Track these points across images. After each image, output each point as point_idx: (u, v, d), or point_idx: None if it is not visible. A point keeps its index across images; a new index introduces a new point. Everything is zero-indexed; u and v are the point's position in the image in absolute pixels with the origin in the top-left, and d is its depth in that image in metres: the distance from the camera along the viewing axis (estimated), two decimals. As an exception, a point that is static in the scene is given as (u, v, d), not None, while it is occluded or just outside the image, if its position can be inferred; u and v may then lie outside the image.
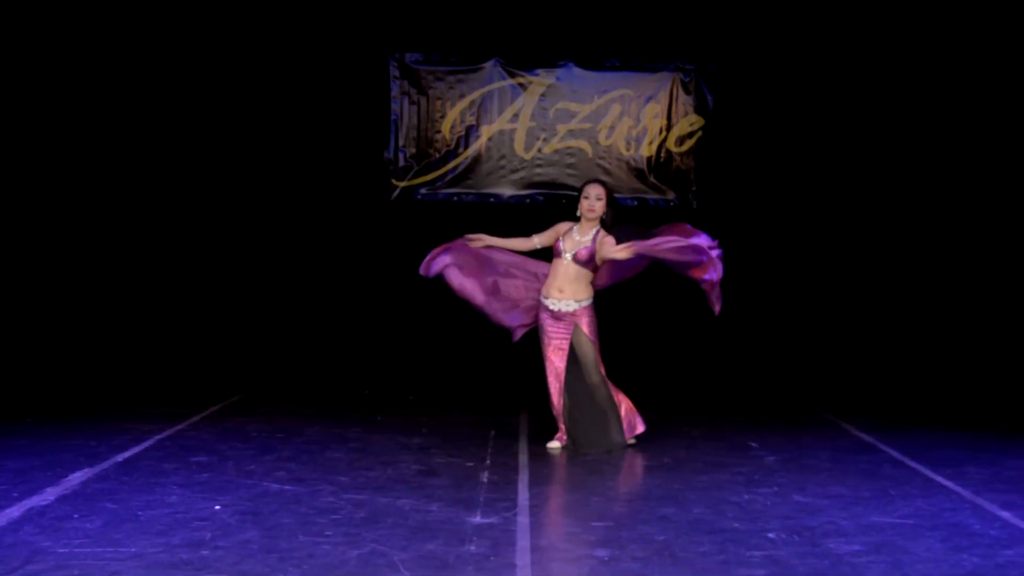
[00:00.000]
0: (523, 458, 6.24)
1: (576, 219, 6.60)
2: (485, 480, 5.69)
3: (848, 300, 11.13)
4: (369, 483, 5.54)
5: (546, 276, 6.65)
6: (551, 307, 6.51)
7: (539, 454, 6.38)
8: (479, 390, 8.82)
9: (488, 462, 6.15)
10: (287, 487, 5.42)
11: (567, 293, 6.49)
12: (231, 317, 11.03)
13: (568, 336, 6.50)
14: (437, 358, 10.56)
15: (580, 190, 6.64)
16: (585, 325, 6.51)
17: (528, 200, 11.39)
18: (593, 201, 6.48)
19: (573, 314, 6.50)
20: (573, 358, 6.51)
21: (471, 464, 6.08)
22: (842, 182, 11.18)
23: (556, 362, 6.53)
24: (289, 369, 9.83)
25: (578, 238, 6.51)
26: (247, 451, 6.29)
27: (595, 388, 6.53)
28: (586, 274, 6.50)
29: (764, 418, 7.74)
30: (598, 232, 6.49)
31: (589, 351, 6.52)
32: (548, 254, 6.71)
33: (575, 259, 6.47)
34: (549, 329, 6.54)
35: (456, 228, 11.41)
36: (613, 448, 6.51)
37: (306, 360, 10.29)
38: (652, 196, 11.41)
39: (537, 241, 6.69)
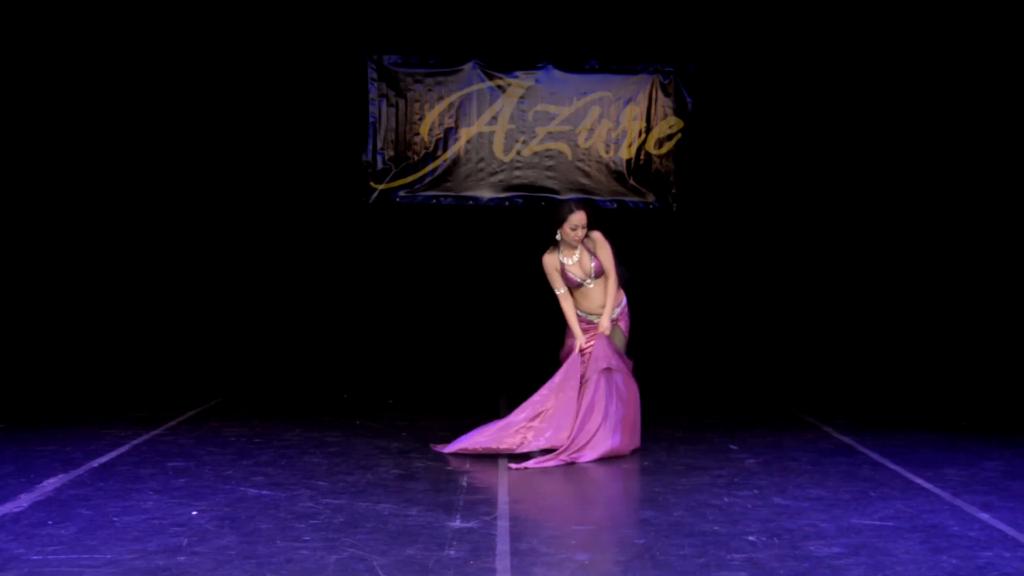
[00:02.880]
0: (503, 461, 6.22)
1: (553, 243, 6.49)
2: (465, 484, 5.68)
3: (827, 303, 11.19)
4: (348, 488, 5.53)
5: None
6: (594, 320, 6.49)
7: (519, 457, 6.35)
8: (459, 394, 8.80)
9: (468, 466, 6.13)
10: (265, 492, 5.40)
11: (608, 306, 6.50)
12: (209, 321, 11.00)
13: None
14: (416, 362, 10.54)
15: (562, 217, 6.35)
16: (622, 321, 6.60)
17: (507, 203, 11.40)
18: (580, 231, 6.35)
19: (615, 319, 6.55)
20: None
21: (451, 468, 6.07)
22: (823, 183, 11.24)
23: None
24: (267, 373, 9.78)
25: (576, 259, 6.46)
26: (225, 456, 6.25)
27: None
28: (608, 281, 6.51)
29: (744, 421, 7.73)
30: (583, 246, 6.44)
31: (620, 343, 6.54)
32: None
33: (597, 277, 6.46)
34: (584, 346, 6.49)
35: (435, 231, 11.51)
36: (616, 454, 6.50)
37: (284, 364, 10.25)
38: (632, 199, 11.43)
39: (563, 291, 6.51)
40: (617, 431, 6.33)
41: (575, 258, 6.46)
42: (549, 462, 6.13)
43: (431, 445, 6.55)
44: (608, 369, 6.33)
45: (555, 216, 6.43)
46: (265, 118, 11.13)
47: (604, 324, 6.45)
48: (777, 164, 11.27)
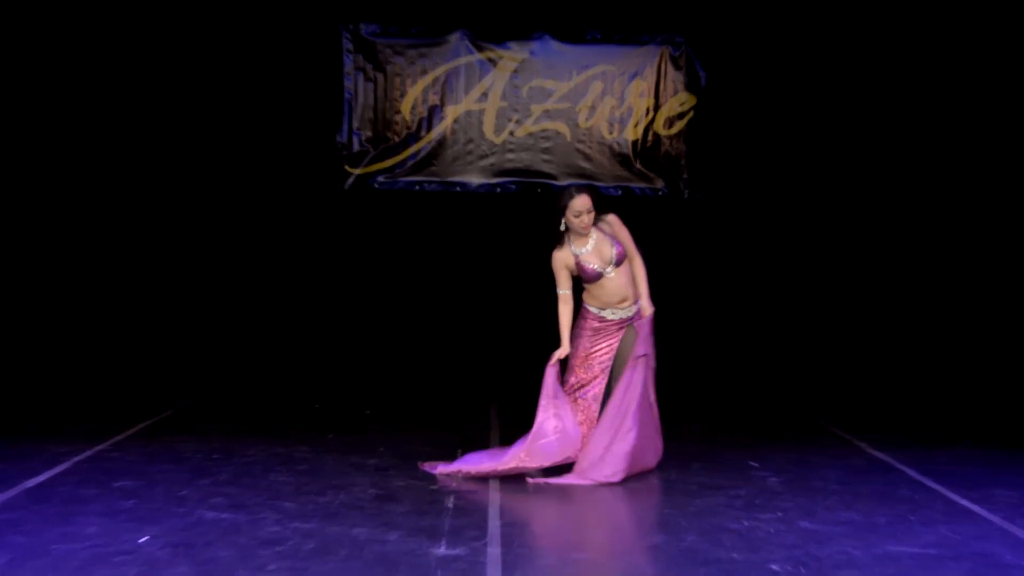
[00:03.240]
0: (494, 480, 6.19)
1: (559, 237, 6.49)
2: (451, 505, 5.65)
3: (860, 302, 11.15)
4: (319, 510, 5.49)
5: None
6: (611, 317, 6.44)
7: (512, 476, 6.31)
8: (445, 402, 8.76)
9: (454, 485, 6.09)
10: (225, 515, 5.35)
11: (628, 300, 6.47)
12: (163, 323, 10.94)
13: (618, 342, 6.45)
14: (397, 367, 10.50)
15: (563, 205, 6.38)
16: (638, 321, 6.53)
17: (499, 189, 11.36)
18: (585, 217, 6.36)
19: (632, 318, 6.50)
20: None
21: (435, 487, 6.03)
22: (851, 167, 11.19)
23: (603, 375, 6.45)
24: (228, 381, 9.73)
25: (592, 246, 6.42)
26: (179, 474, 6.21)
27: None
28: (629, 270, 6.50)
29: (765, 434, 7.72)
30: (598, 228, 6.45)
31: (632, 347, 6.51)
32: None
33: (618, 264, 6.42)
34: (595, 343, 6.46)
35: (418, 221, 11.46)
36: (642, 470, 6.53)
37: (248, 371, 10.20)
38: (638, 185, 11.39)
39: (564, 292, 6.49)
40: (647, 442, 6.38)
41: (590, 246, 6.44)
42: (573, 480, 6.16)
43: (420, 464, 6.49)
44: (644, 356, 6.36)
45: (556, 205, 6.44)
46: (229, 95, 11.06)
47: (646, 305, 6.46)
48: (801, 146, 11.24)
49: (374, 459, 6.74)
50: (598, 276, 6.40)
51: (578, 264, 6.42)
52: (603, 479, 6.17)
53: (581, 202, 6.35)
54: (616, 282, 6.43)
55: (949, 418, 8.38)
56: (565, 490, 6.06)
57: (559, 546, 5.09)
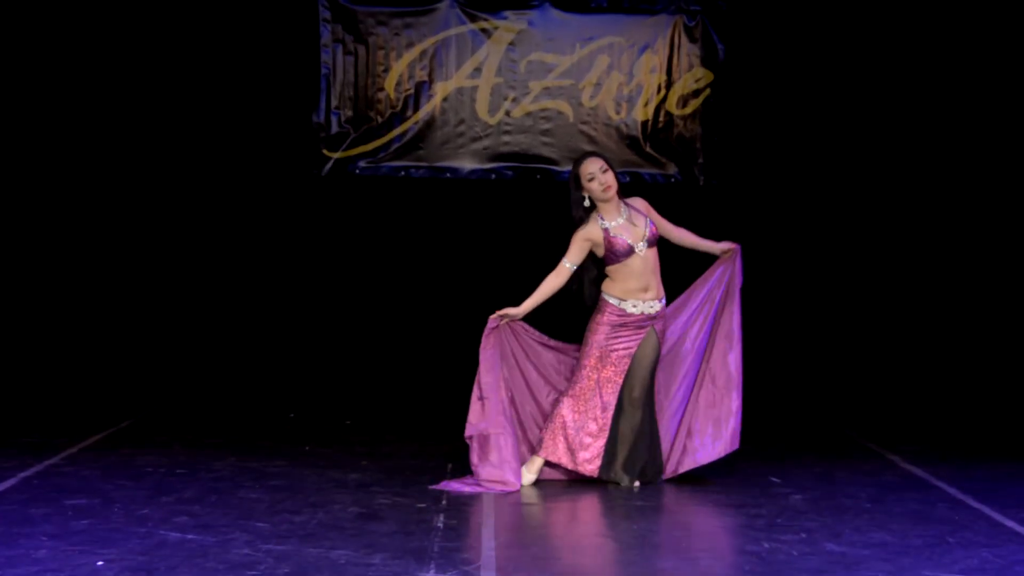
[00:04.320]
0: (487, 497, 6.21)
1: (584, 214, 6.56)
2: (440, 525, 5.66)
3: (893, 301, 11.13)
4: (295, 530, 5.49)
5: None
6: (633, 310, 6.47)
7: (507, 492, 6.33)
8: (433, 411, 8.77)
9: (444, 502, 6.12)
10: (190, 536, 5.36)
11: (652, 291, 6.53)
12: (120, 322, 10.91)
13: (636, 345, 6.51)
14: (380, 371, 10.50)
15: (576, 172, 6.57)
16: (660, 325, 6.62)
17: (493, 175, 11.35)
18: (602, 176, 6.47)
19: (654, 317, 6.54)
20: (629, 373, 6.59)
21: (423, 505, 6.05)
22: (888, 150, 11.14)
23: (616, 379, 6.52)
24: (194, 386, 9.74)
25: (624, 219, 6.49)
26: (139, 491, 6.22)
27: (645, 407, 6.63)
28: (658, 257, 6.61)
29: (788, 446, 7.74)
30: (628, 206, 6.54)
31: (655, 357, 6.62)
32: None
33: (650, 244, 6.50)
34: (612, 341, 6.52)
35: (403, 210, 11.45)
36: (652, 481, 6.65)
37: (216, 374, 10.20)
38: (648, 170, 11.40)
39: (569, 265, 6.58)
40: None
41: (621, 219, 6.53)
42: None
43: (432, 487, 6.50)
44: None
45: (571, 177, 6.61)
46: (184, 68, 11.01)
47: (724, 246, 6.84)
48: (831, 128, 11.21)
49: (356, 474, 6.76)
50: (629, 251, 6.44)
51: (607, 239, 6.46)
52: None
53: (592, 162, 6.50)
54: (644, 264, 6.47)
55: (991, 430, 8.40)
56: (568, 509, 6.08)
57: (559, 571, 5.08)
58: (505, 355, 6.72)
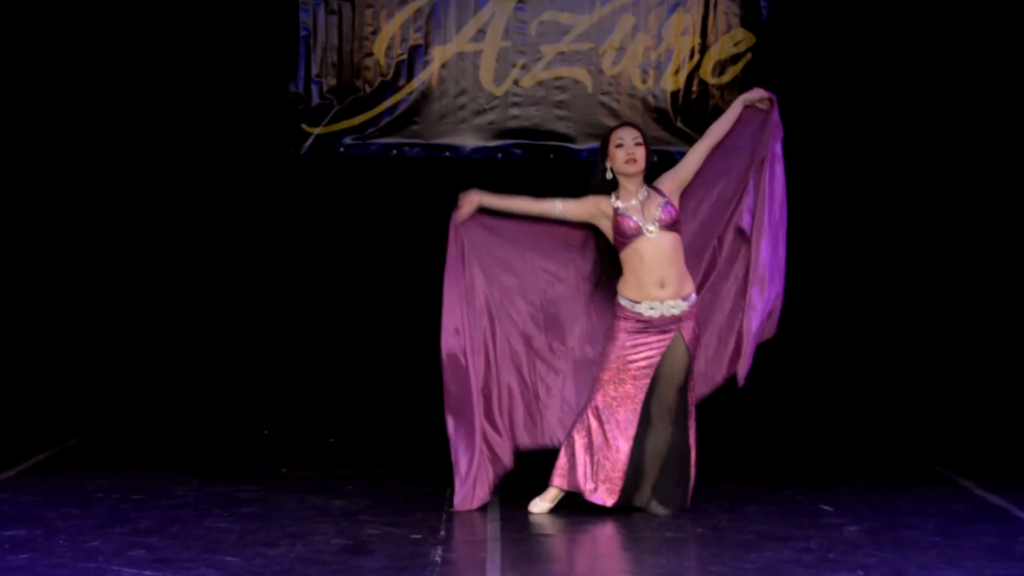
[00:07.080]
0: (492, 527, 6.23)
1: (607, 187, 6.62)
2: (438, 559, 5.67)
3: (969, 305, 11.09)
4: (269, 565, 5.49)
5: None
6: (649, 313, 6.46)
7: (516, 520, 6.34)
8: (429, 426, 8.76)
9: (442, 533, 6.14)
10: (147, 573, 5.35)
11: (671, 286, 6.50)
12: (66, 326, 10.93)
13: (659, 354, 6.49)
14: (368, 380, 10.51)
15: (606, 138, 6.71)
16: (689, 332, 6.59)
17: (500, 154, 11.36)
18: (631, 147, 6.57)
19: (678, 319, 6.52)
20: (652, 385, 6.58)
21: (417, 536, 6.06)
22: (955, 123, 11.11)
23: (636, 395, 6.51)
24: (151, 398, 9.75)
25: (639, 202, 6.51)
26: (88, 521, 6.23)
27: (676, 424, 6.63)
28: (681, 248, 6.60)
29: (841, 470, 7.73)
30: (651, 188, 6.59)
31: (683, 370, 6.61)
32: None
33: (664, 226, 6.48)
34: (629, 351, 6.52)
35: (395, 194, 11.45)
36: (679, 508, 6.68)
37: (177, 385, 10.21)
38: (679, 148, 11.37)
39: (560, 209, 6.64)
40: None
41: (636, 201, 6.56)
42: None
43: (452, 508, 6.56)
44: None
45: (600, 144, 6.73)
46: (145, 28, 11.02)
47: (754, 95, 7.14)
48: (887, 99, 11.19)
49: (341, 500, 6.78)
50: (637, 233, 6.44)
51: (615, 220, 6.51)
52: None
53: (627, 130, 6.67)
54: (657, 251, 6.45)
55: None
56: (586, 541, 6.07)
57: (577, 613, 5.11)
58: (480, 302, 7.29)
